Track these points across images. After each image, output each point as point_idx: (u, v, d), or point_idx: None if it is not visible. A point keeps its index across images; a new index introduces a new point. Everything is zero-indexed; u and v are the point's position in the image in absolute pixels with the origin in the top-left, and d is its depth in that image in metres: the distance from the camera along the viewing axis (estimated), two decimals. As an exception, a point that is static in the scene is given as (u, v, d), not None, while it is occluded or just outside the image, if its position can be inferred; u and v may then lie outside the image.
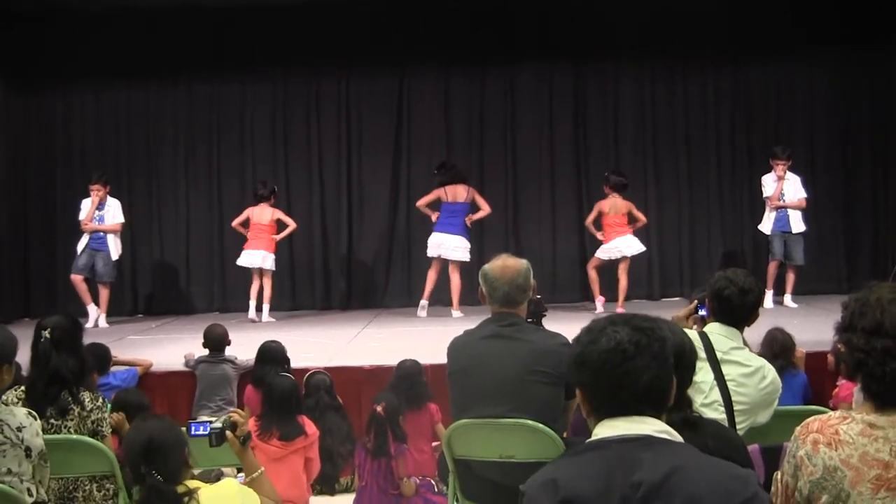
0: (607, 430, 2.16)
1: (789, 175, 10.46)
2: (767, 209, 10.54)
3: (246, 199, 11.55)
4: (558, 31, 11.72)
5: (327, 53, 11.86)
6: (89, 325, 10.14)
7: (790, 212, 10.41)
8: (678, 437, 2.18)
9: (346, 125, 12.12)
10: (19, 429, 3.57)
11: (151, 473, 3.24)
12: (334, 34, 11.69)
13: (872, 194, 11.84)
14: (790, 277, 10.50)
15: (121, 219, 10.79)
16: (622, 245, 10.45)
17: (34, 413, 3.73)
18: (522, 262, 4.31)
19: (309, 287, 12.12)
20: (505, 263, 4.27)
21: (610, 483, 2.06)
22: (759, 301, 4.11)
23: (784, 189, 10.42)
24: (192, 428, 3.71)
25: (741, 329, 4.04)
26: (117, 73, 11.88)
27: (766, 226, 10.56)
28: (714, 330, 3.98)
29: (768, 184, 10.49)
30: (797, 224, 10.43)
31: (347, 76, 12.11)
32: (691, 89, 12.01)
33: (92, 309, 10.60)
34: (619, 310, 9.84)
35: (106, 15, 11.43)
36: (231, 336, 7.51)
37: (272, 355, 6.85)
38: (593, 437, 2.18)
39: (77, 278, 10.63)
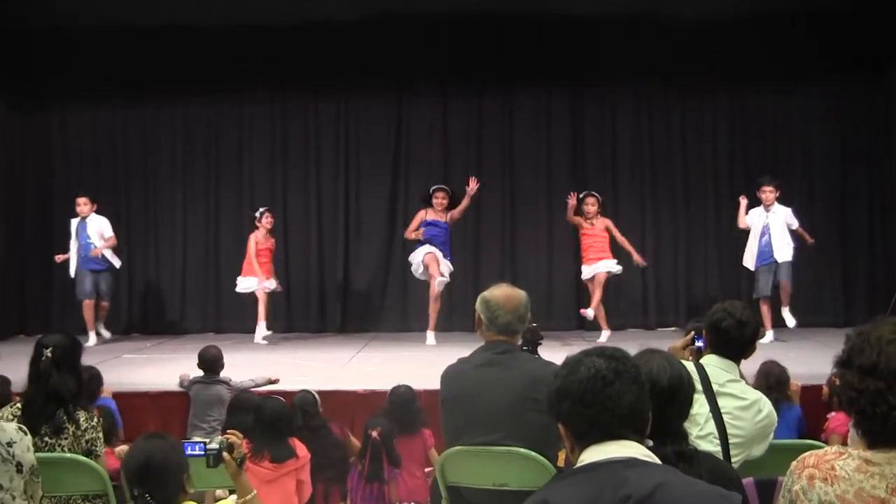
0: (594, 454, 2.24)
1: (776, 206, 10.33)
2: (749, 242, 10.44)
3: (242, 219, 11.59)
4: (556, 55, 11.71)
5: (325, 74, 11.88)
6: (90, 343, 10.13)
7: (773, 242, 10.24)
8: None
9: (343, 146, 12.13)
10: (10, 444, 3.56)
11: (143, 496, 3.22)
12: (333, 55, 11.71)
13: (869, 225, 11.82)
14: (784, 291, 10.26)
15: (110, 233, 10.78)
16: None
17: (24, 428, 3.71)
18: (523, 294, 4.33)
19: (304, 309, 12.08)
20: (507, 293, 4.29)
21: (599, 500, 2.13)
22: (757, 334, 4.10)
23: (769, 221, 10.28)
24: (187, 448, 3.68)
25: (738, 362, 4.03)
26: (114, 91, 11.90)
27: (749, 261, 10.46)
28: (711, 362, 3.97)
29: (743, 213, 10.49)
30: (783, 253, 10.24)
31: (346, 97, 12.13)
32: (689, 115, 12.02)
33: (93, 335, 10.53)
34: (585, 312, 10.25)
35: (103, 34, 11.44)
36: (226, 357, 7.47)
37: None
38: (580, 463, 2.26)
39: (89, 303, 10.58)
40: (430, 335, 10.45)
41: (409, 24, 11.60)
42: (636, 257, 10.67)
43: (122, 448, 5.68)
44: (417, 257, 10.52)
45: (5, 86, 11.71)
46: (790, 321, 10.26)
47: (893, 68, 11.45)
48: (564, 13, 11.44)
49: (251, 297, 10.79)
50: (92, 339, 10.45)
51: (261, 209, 10.91)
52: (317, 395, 6.52)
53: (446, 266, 10.54)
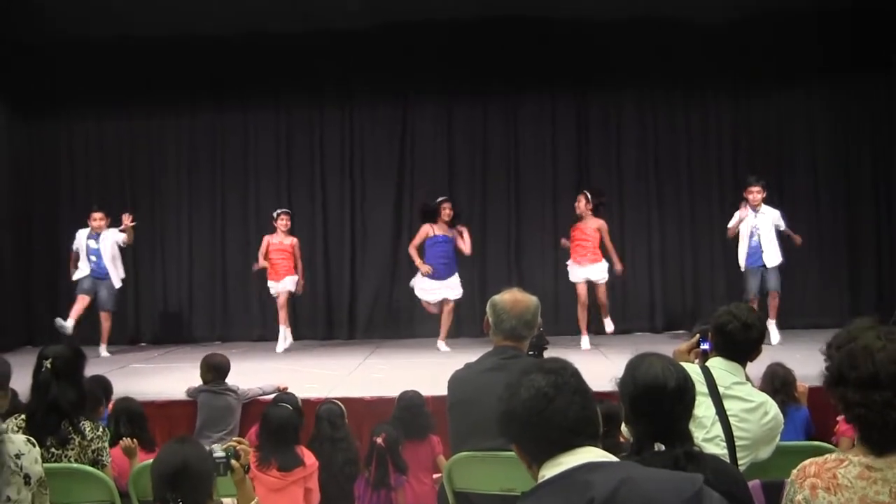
0: (552, 468, 2.25)
1: (765, 208, 10.19)
2: (740, 243, 10.28)
3: (249, 227, 11.60)
4: (560, 60, 11.75)
5: (330, 81, 11.94)
6: (66, 324, 10.12)
7: (763, 245, 10.09)
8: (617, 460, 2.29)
9: (349, 153, 12.16)
10: (17, 456, 3.55)
11: (177, 501, 3.21)
12: (337, 62, 11.75)
13: (875, 224, 11.81)
14: (772, 303, 10.12)
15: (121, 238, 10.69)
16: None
17: (33, 440, 3.71)
18: (532, 299, 4.31)
19: (311, 316, 12.09)
20: (515, 297, 4.27)
21: None
22: (762, 336, 4.09)
23: (758, 222, 10.13)
24: None
25: (744, 364, 4.02)
26: (120, 101, 11.95)
27: (742, 262, 10.28)
28: (716, 365, 3.97)
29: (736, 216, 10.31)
30: (771, 258, 10.10)
31: (350, 104, 12.16)
32: (693, 117, 12.04)
33: (71, 322, 10.37)
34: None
35: (109, 44, 11.49)
36: (233, 365, 7.42)
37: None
38: (541, 479, 2.27)
39: (83, 297, 10.51)
40: (442, 343, 10.42)
41: (413, 31, 11.61)
42: (617, 265, 10.58)
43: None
44: (426, 295, 10.50)
45: (12, 96, 11.75)
46: (775, 337, 9.89)
47: (893, 65, 11.43)
48: (568, 17, 11.44)
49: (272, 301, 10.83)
50: (69, 325, 10.26)
51: (277, 210, 10.92)
52: (343, 407, 6.48)
53: (454, 289, 10.44)
